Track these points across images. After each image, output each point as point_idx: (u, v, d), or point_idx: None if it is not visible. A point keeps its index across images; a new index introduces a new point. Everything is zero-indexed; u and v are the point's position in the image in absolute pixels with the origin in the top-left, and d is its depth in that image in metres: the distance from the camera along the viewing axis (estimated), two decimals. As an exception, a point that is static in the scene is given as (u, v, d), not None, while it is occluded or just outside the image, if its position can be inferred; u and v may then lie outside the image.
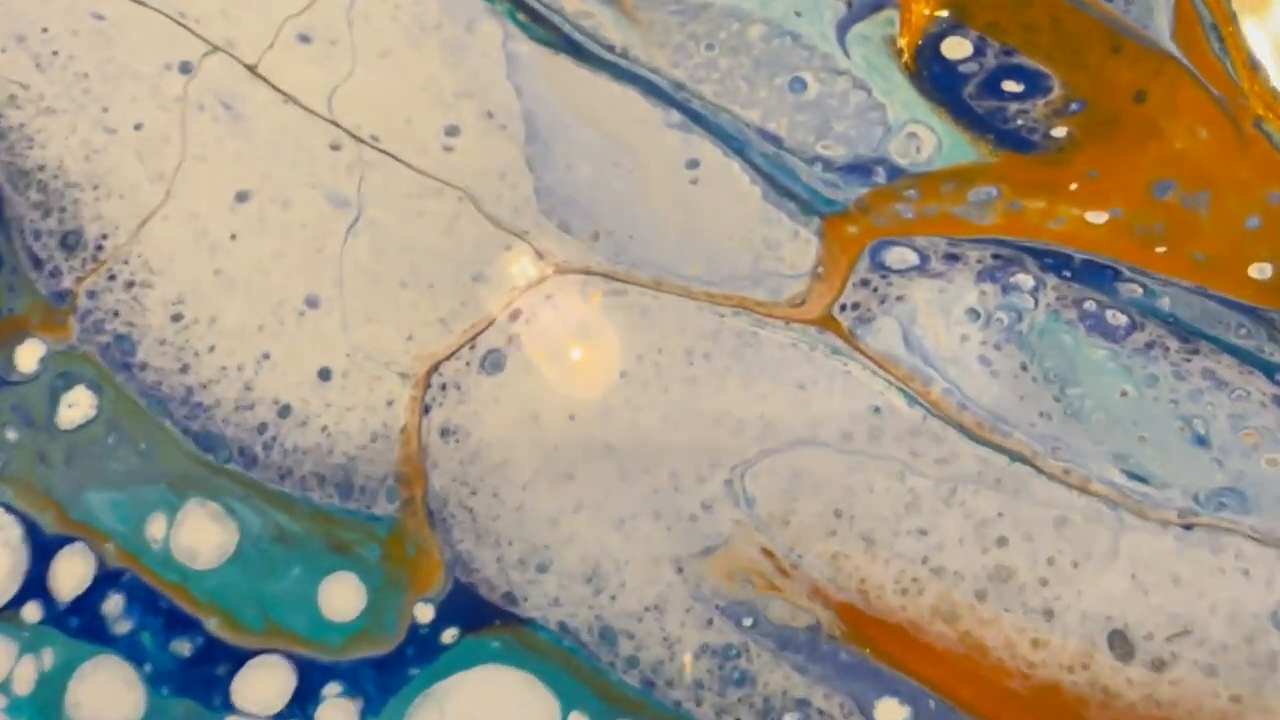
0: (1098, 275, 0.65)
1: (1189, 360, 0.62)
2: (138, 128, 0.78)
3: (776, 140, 0.71)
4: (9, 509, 0.69)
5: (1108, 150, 0.67)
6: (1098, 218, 0.66)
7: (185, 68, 0.79)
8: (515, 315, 0.70)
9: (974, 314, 0.65)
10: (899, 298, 0.66)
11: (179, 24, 0.80)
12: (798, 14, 0.73)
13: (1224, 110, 0.66)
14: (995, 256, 0.66)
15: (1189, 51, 0.68)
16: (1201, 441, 0.60)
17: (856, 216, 0.68)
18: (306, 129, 0.76)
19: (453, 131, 0.75)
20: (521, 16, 0.76)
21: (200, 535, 0.68)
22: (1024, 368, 0.64)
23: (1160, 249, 0.64)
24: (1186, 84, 0.67)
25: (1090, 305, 0.64)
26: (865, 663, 0.60)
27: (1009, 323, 0.65)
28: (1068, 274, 0.65)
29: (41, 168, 0.78)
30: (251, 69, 0.78)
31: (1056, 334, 0.64)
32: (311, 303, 0.72)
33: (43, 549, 0.68)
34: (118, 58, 0.80)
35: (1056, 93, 0.69)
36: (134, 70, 0.79)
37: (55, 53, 0.80)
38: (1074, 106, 0.68)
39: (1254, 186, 0.65)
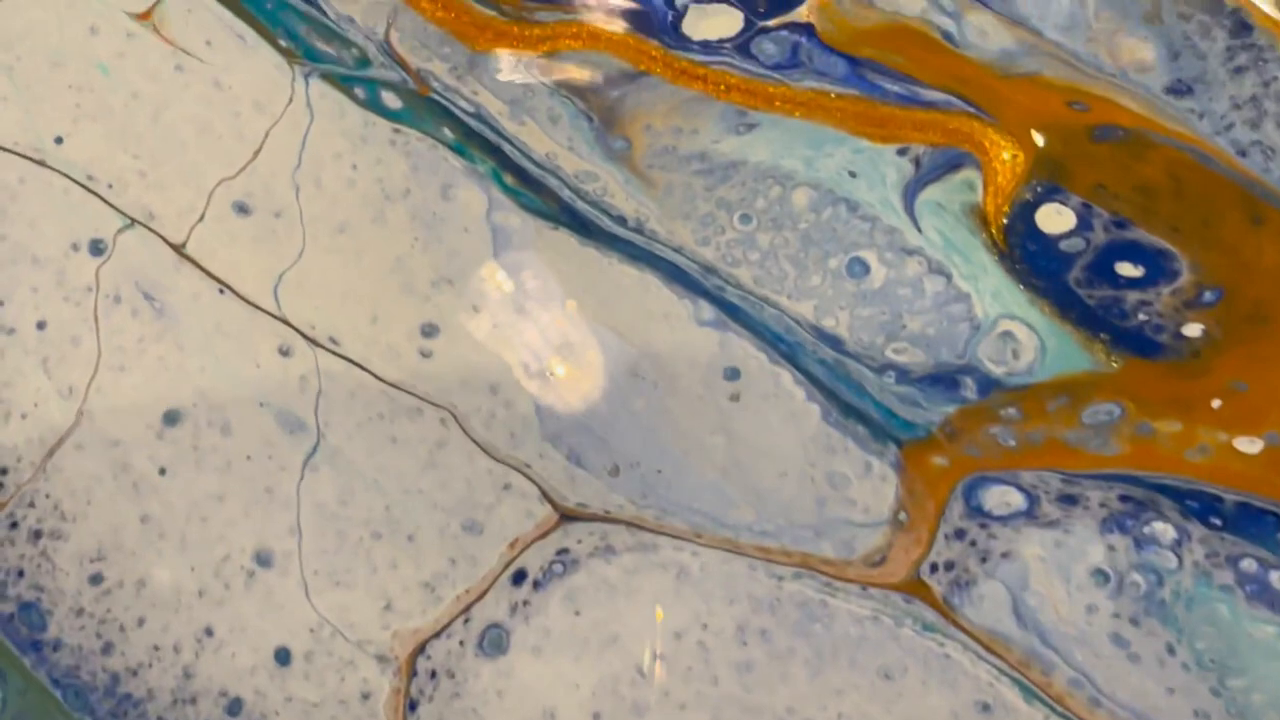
0: (1256, 523, 0.51)
1: (1383, 640, 0.49)
2: (40, 327, 0.63)
3: (836, 342, 0.57)
4: None
5: (1256, 354, 0.53)
6: (1250, 445, 0.52)
7: (97, 248, 0.64)
8: (519, 577, 0.56)
9: (1102, 576, 0.52)
10: (1004, 554, 0.53)
11: (87, 190, 0.65)
12: (852, 174, 0.58)
13: (1400, 300, 0.53)
14: (1124, 499, 0.53)
15: (1350, 222, 0.54)
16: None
17: (943, 444, 0.54)
18: (249, 328, 0.62)
19: (430, 331, 0.60)
20: (509, 179, 0.62)
21: None
22: (1170, 650, 0.50)
23: (1335, 487, 0.51)
24: (1350, 265, 0.54)
25: (1250, 564, 0.51)
26: None
27: (1147, 588, 0.51)
28: (1218, 522, 0.52)
29: (-77, 380, 0.64)
30: (178, 249, 0.64)
31: (1209, 603, 0.51)
32: (263, 560, 0.58)
33: None
34: (12, 235, 0.65)
35: (1185, 277, 0.55)
36: (33, 252, 0.65)
37: (-64, 228, 0.65)
38: (1209, 295, 0.54)
39: None
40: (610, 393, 0.58)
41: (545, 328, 0.59)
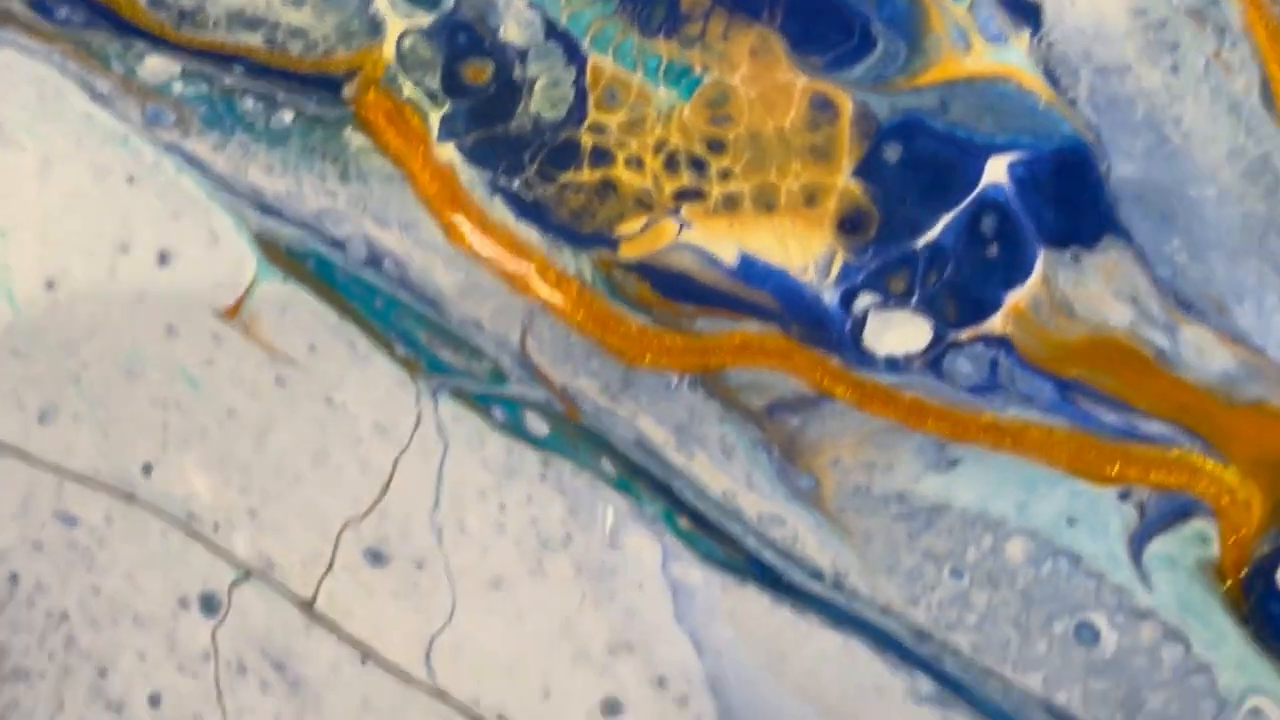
0: None
1: None
2: (154, 703, 0.56)
3: (1069, 721, 0.53)
4: None
5: None
6: None
7: (209, 604, 0.57)
8: None
9: None
10: None
11: (190, 533, 0.57)
12: (1071, 522, 0.54)
13: None
14: None
15: None
16: None
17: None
18: (401, 704, 0.55)
19: (614, 708, 0.54)
20: (684, 524, 0.56)
21: None
22: None
23: None
24: None
25: None
26: None
27: None
28: None
29: (22, 768, 0.56)
30: (306, 606, 0.57)
31: None
32: None
33: None
34: (106, 588, 0.57)
35: None
36: (134, 608, 0.57)
37: (13, 579, 0.57)
38: None
39: None
40: (826, 782, 0.53)
41: (743, 710, 0.54)
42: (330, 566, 0.57)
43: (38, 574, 0.58)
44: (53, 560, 0.58)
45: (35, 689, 0.57)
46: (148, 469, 0.58)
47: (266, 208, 0.59)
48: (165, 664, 0.57)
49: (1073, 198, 0.56)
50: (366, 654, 0.56)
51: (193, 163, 0.59)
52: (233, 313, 0.59)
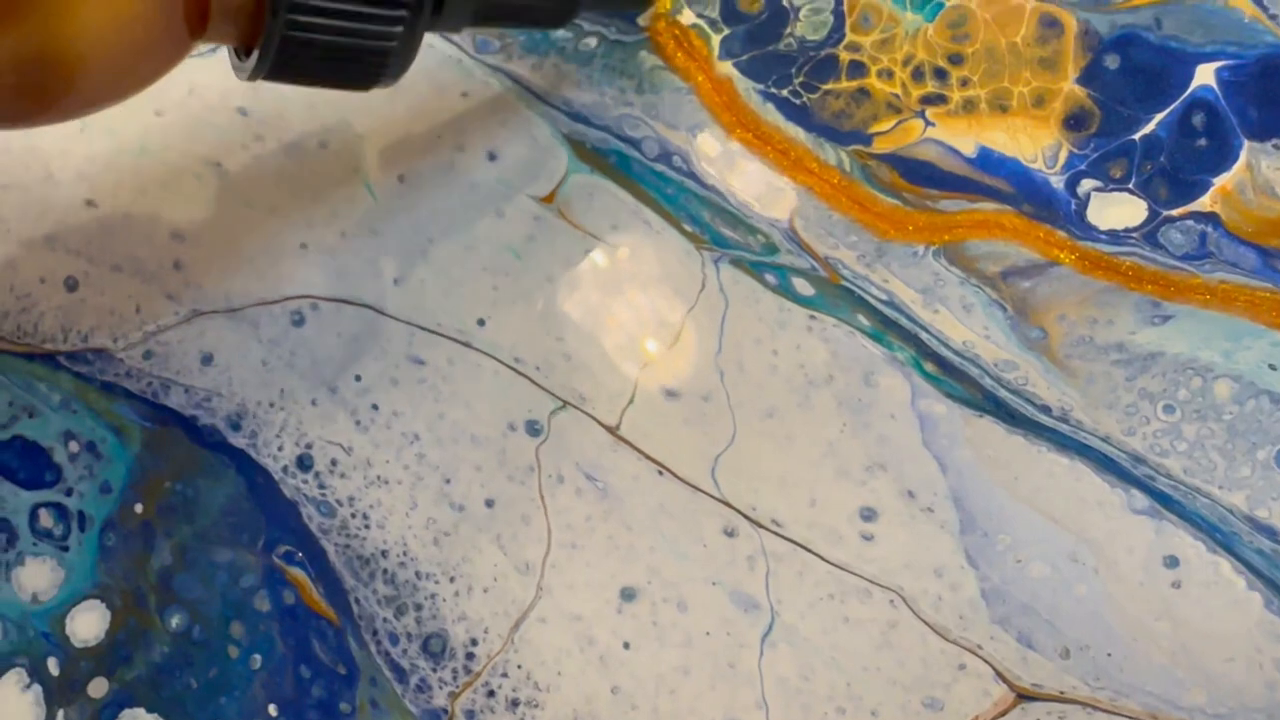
0: None
1: None
2: (489, 504, 0.70)
3: (1271, 533, 0.61)
4: None
5: None
6: None
7: (533, 428, 0.70)
8: (983, 753, 0.61)
9: None
10: None
11: (516, 372, 0.71)
12: (1272, 368, 0.62)
13: None
14: None
15: None
16: None
17: (1385, 633, 0.59)
18: (691, 509, 0.67)
19: (869, 515, 0.65)
20: (929, 367, 0.66)
21: None
22: None
23: None
24: None
25: None
26: None
27: None
28: None
29: (384, 553, 0.70)
30: (612, 431, 0.69)
31: None
32: (734, 731, 0.64)
33: None
34: (450, 415, 0.71)
35: None
36: (472, 432, 0.71)
37: (375, 407, 0.72)
38: None
39: None
40: (1052, 578, 0.63)
41: (981, 517, 0.64)
42: (632, 400, 0.69)
43: (394, 403, 0.72)
44: (406, 393, 0.72)
45: (393, 492, 0.71)
46: (481, 322, 0.72)
47: (575, 115, 0.72)
48: (497, 474, 0.70)
49: (1274, 97, 0.65)
50: (662, 469, 0.68)
51: (515, 80, 0.73)
52: (549, 199, 0.73)
